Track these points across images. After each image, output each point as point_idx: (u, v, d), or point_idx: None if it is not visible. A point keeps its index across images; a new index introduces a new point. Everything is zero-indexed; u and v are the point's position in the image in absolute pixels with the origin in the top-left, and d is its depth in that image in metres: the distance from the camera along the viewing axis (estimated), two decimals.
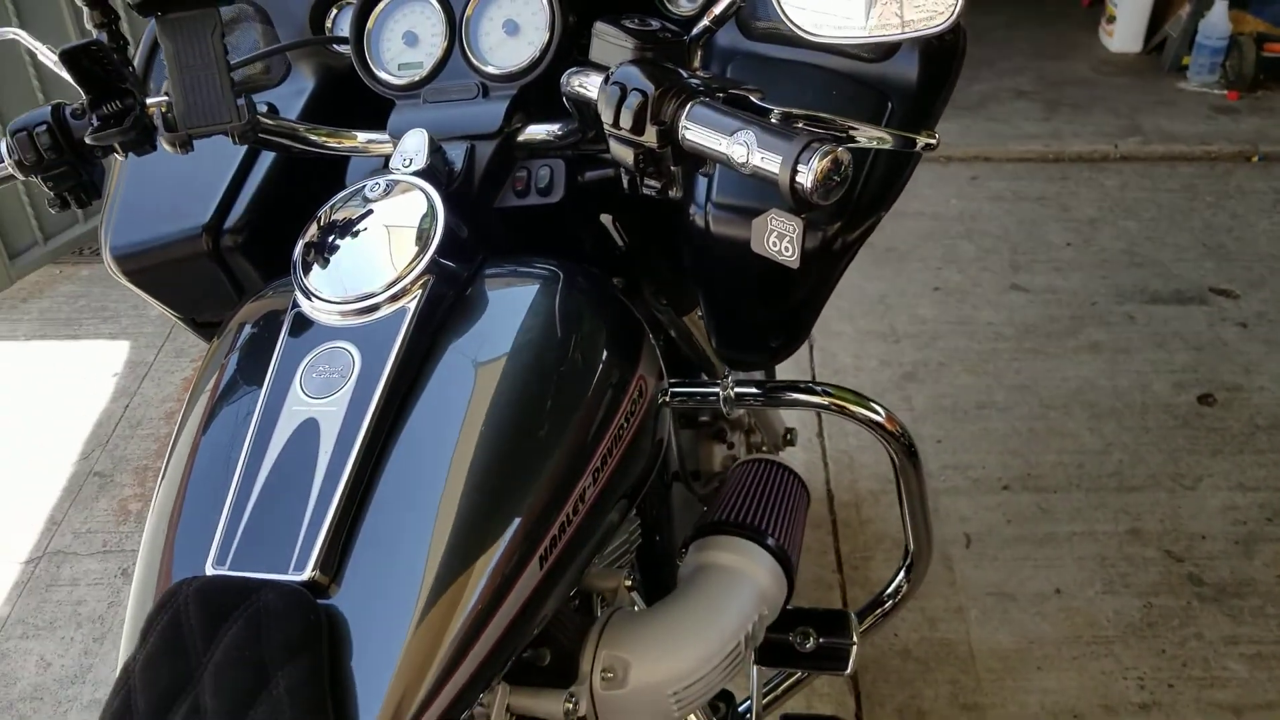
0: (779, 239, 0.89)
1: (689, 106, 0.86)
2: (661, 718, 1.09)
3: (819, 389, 1.34)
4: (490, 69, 1.12)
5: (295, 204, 1.22)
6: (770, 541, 1.23)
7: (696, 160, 0.90)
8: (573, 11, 1.11)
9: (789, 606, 1.36)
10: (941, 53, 1.07)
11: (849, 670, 1.41)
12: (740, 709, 1.56)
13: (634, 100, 0.87)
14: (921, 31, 0.85)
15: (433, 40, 1.15)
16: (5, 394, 2.78)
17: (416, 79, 1.14)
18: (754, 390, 1.29)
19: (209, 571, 0.82)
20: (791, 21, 0.88)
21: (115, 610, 2.20)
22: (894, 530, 2.29)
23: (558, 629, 1.08)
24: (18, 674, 2.09)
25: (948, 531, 2.30)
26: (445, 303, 0.94)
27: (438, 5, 1.15)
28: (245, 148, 1.22)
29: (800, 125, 0.85)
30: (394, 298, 0.91)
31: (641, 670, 1.07)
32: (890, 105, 1.06)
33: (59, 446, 2.61)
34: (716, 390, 1.25)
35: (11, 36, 1.21)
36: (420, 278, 0.92)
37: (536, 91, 1.11)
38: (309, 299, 0.93)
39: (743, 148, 0.82)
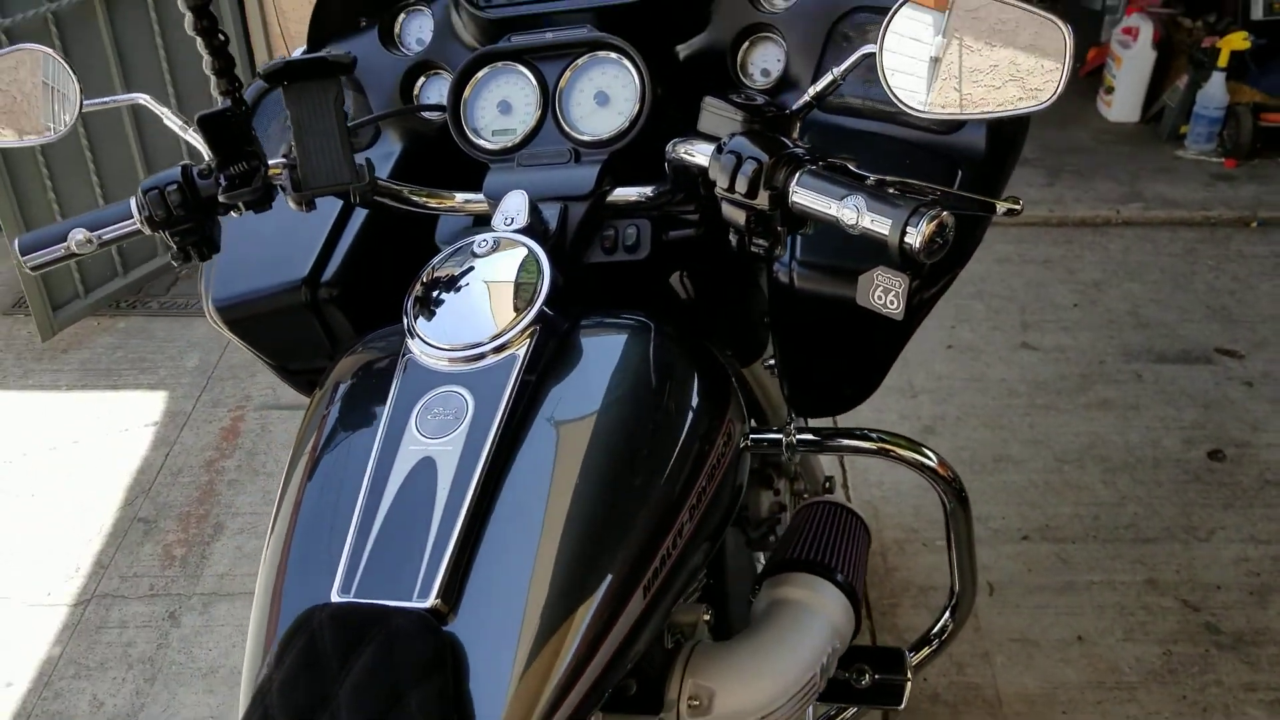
0: (885, 293, 0.97)
1: (798, 174, 0.96)
2: None
3: (874, 435, 1.43)
4: (582, 136, 1.21)
5: (385, 259, 1.31)
6: (840, 578, 1.31)
7: (800, 221, 0.99)
8: (660, 85, 1.21)
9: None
10: (1006, 125, 1.17)
11: (903, 705, 1.49)
12: None
13: (749, 168, 0.96)
14: (1018, 110, 0.94)
15: (526, 109, 1.24)
16: (49, 443, 2.85)
17: (509, 144, 1.23)
18: (814, 437, 1.38)
19: (335, 599, 0.89)
20: (898, 98, 0.97)
21: (164, 652, 2.26)
22: (919, 578, 2.37)
23: (644, 660, 1.15)
24: (72, 713, 2.14)
25: None
26: (549, 351, 1.01)
27: (532, 77, 1.24)
28: (340, 205, 1.31)
29: (900, 192, 0.94)
30: (504, 346, 0.98)
31: (726, 699, 1.15)
32: (960, 173, 1.16)
33: (102, 494, 2.67)
34: (780, 437, 1.34)
35: (142, 102, 1.30)
36: (529, 327, 0.99)
37: (624, 156, 1.19)
38: (422, 346, 1.01)
39: (853, 211, 0.91)
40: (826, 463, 2.10)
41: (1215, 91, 3.95)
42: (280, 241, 1.30)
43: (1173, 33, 4.26)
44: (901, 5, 0.97)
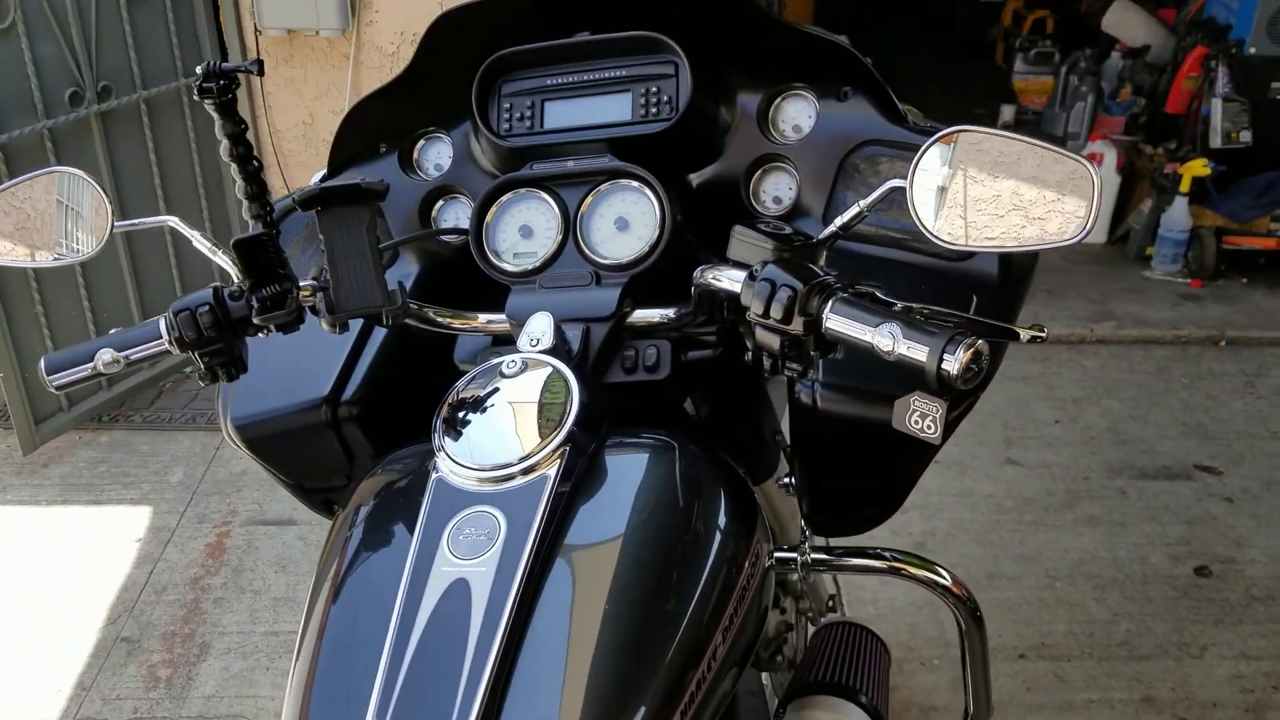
0: (921, 418, 0.99)
1: (831, 301, 0.98)
2: None
3: (887, 554, 1.44)
4: (603, 259, 1.22)
5: (405, 379, 1.32)
6: (863, 699, 1.31)
7: (832, 346, 1.01)
8: (679, 212, 1.24)
9: None
10: (1020, 255, 1.21)
11: None
12: None
13: (784, 295, 0.98)
14: (1045, 244, 0.98)
15: (547, 233, 1.26)
16: (29, 559, 2.79)
17: (530, 267, 1.24)
18: (828, 556, 1.39)
19: None
20: (929, 230, 1.00)
21: None
22: (920, 698, 2.36)
23: None
24: None
25: None
26: (579, 470, 1.01)
27: (553, 203, 1.27)
28: (361, 323, 1.32)
29: (930, 318, 0.97)
30: (534, 466, 0.98)
31: None
32: (975, 298, 1.19)
33: (85, 612, 2.61)
34: (795, 556, 1.34)
35: (172, 224, 1.31)
36: (559, 448, 0.99)
37: (644, 279, 1.22)
38: (452, 466, 1.01)
39: (889, 338, 0.93)
40: (826, 579, 2.10)
41: (1179, 215, 4.09)
42: (300, 360, 1.30)
43: (1135, 159, 4.43)
44: (933, 142, 1.01)
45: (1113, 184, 4.35)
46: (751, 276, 1.02)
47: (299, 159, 3.40)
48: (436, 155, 1.43)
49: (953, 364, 0.90)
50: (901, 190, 1.01)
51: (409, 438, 1.16)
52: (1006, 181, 0.97)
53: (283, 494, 2.91)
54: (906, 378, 0.95)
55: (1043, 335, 1.06)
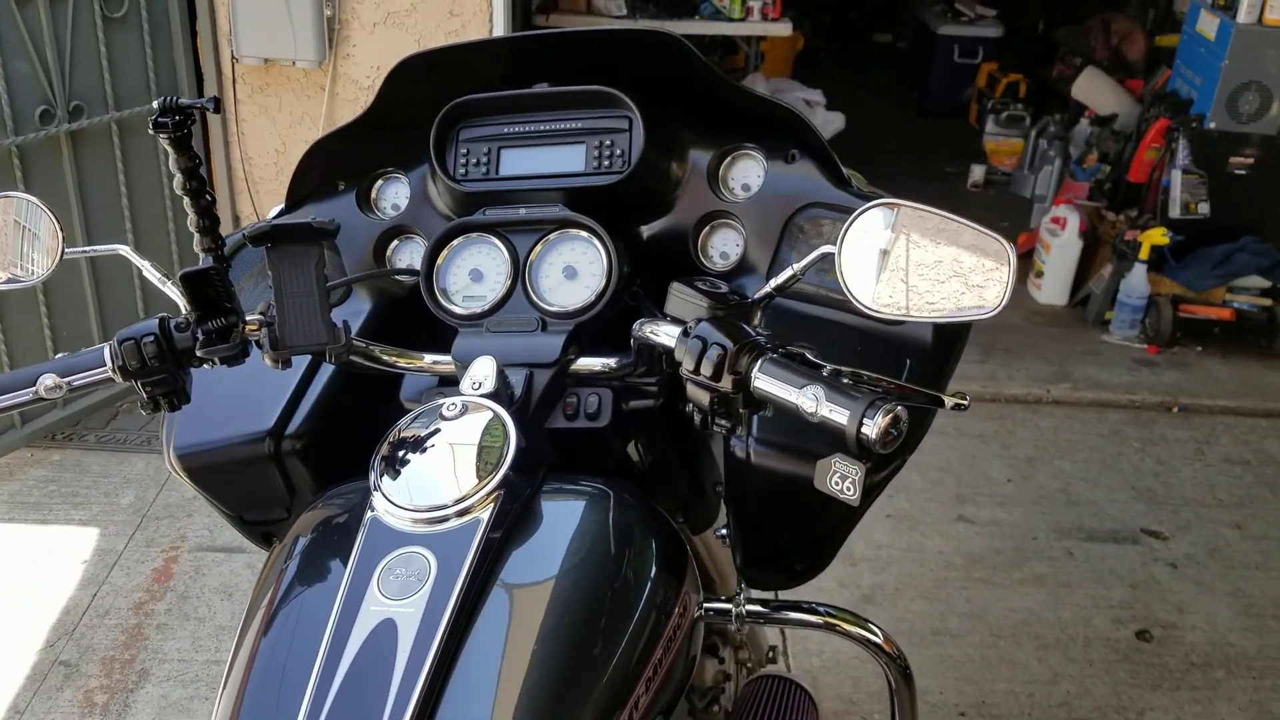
0: (841, 479, 1.01)
1: (760, 361, 1.00)
2: None
3: (821, 609, 1.46)
4: (550, 306, 1.25)
5: (350, 414, 1.33)
6: None
7: (760, 405, 1.03)
8: (626, 263, 1.26)
9: None
10: (954, 325, 1.24)
11: None
12: None
13: (714, 353, 1.01)
14: (965, 317, 1.00)
15: (497, 278, 1.28)
16: None
17: (479, 310, 1.27)
18: (762, 609, 1.40)
19: None
20: (854, 296, 1.03)
21: None
22: None
23: None
24: None
25: None
26: (512, 515, 1.03)
27: (504, 248, 1.29)
28: (309, 359, 1.33)
29: (853, 382, 0.99)
30: (468, 509, 1.00)
31: None
32: (908, 362, 1.22)
33: (23, 633, 2.58)
34: (730, 607, 1.36)
35: (123, 253, 1.31)
36: (493, 491, 1.01)
37: (589, 327, 1.24)
38: (386, 505, 1.02)
39: (812, 400, 0.96)
40: (770, 631, 2.11)
41: (1137, 282, 4.16)
42: (246, 391, 1.31)
43: (1097, 224, 4.50)
44: (862, 212, 1.04)
45: (1075, 248, 4.42)
46: (685, 333, 1.05)
47: (269, 186, 3.41)
48: (394, 195, 1.45)
49: (871, 429, 0.92)
50: (833, 256, 1.04)
51: (352, 473, 1.17)
52: (930, 254, 1.00)
53: None
54: (835, 439, 0.97)
55: (965, 404, 1.09)
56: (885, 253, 1.02)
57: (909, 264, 1.01)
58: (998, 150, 5.86)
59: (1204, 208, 4.01)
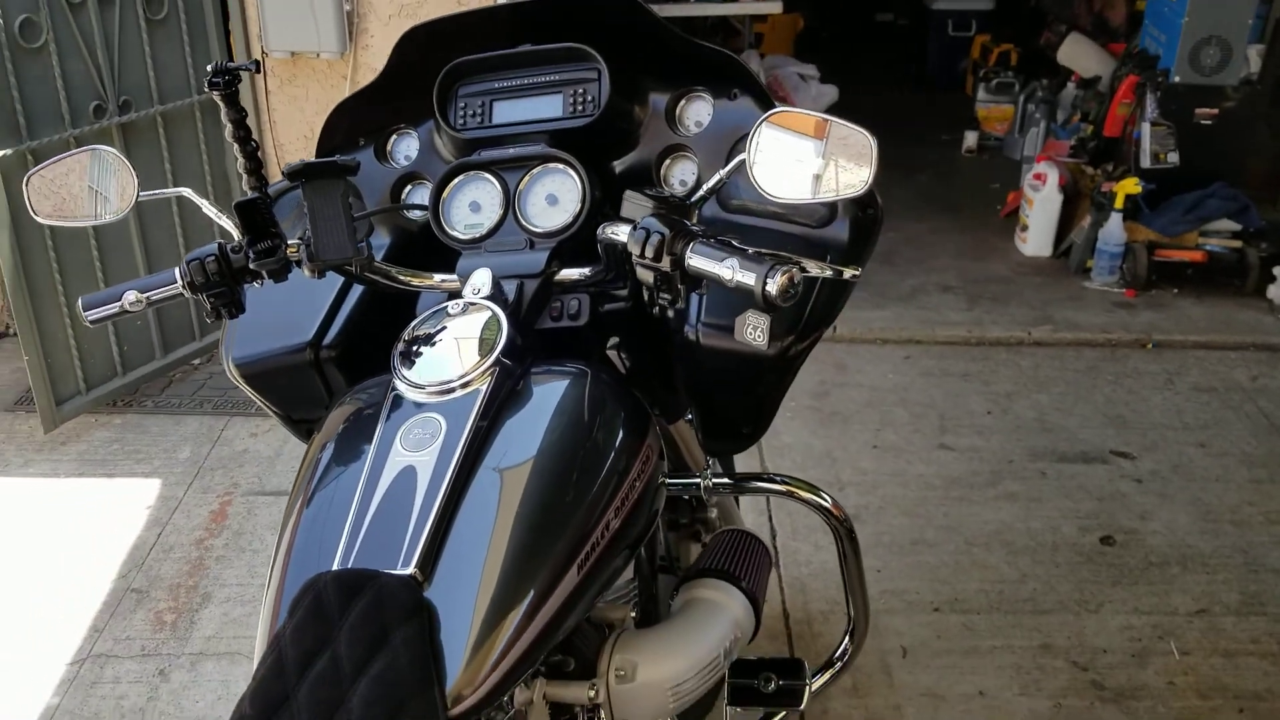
0: (754, 330, 1.30)
1: (691, 244, 1.28)
2: (659, 707, 1.44)
3: (779, 479, 1.74)
4: (535, 228, 1.50)
5: (375, 326, 1.62)
6: (744, 584, 1.60)
7: (695, 282, 1.31)
8: (598, 189, 1.55)
9: (753, 658, 1.73)
10: (864, 222, 1.51)
11: (802, 706, 1.77)
12: None
13: (655, 239, 1.27)
14: (846, 194, 1.28)
15: (492, 208, 1.53)
16: (49, 524, 3.09)
17: (478, 235, 1.52)
18: (728, 480, 1.69)
19: (335, 568, 1.17)
20: (761, 188, 1.30)
21: (154, 704, 2.48)
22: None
23: (581, 642, 1.42)
24: None
25: (886, 644, 2.65)
26: (505, 389, 1.29)
27: (496, 183, 1.56)
28: (340, 282, 1.62)
29: (766, 256, 1.27)
30: (469, 383, 1.26)
31: (647, 670, 1.43)
32: (829, 256, 1.50)
33: (98, 568, 2.91)
34: (699, 480, 1.64)
35: (185, 194, 1.60)
36: (489, 369, 1.27)
37: (569, 244, 1.49)
38: (405, 384, 1.29)
39: (729, 270, 1.23)
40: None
41: (1114, 230, 4.40)
42: (288, 312, 1.56)
43: (1077, 179, 4.75)
44: (761, 122, 1.31)
45: (1055, 201, 4.67)
46: (635, 227, 1.33)
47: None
48: (406, 148, 1.69)
49: (773, 285, 1.18)
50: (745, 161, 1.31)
51: (378, 375, 1.46)
52: (815, 149, 1.28)
53: (280, 467, 3.25)
54: (751, 300, 1.25)
55: (858, 273, 1.37)
56: (784, 153, 1.30)
57: (800, 158, 1.29)
58: (989, 117, 6.10)
59: (1173, 157, 4.25)
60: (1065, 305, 4.37)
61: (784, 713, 1.93)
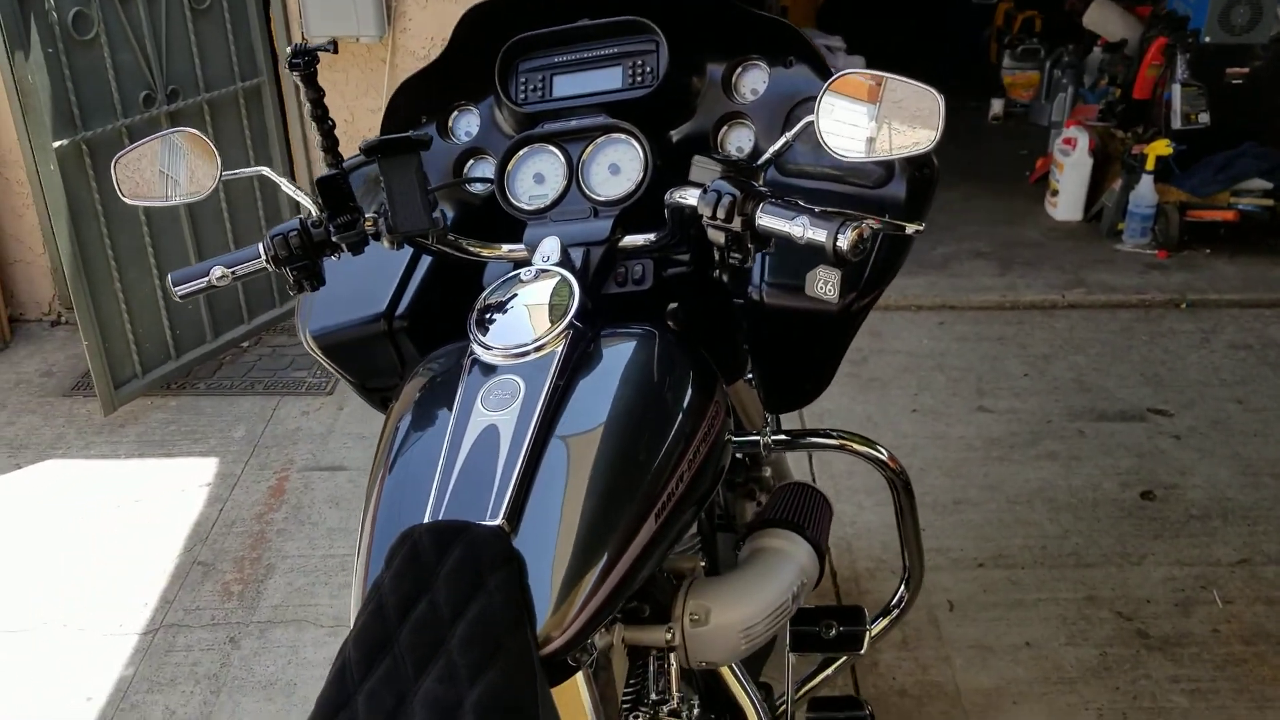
0: (824, 284, 1.35)
1: (761, 204, 1.33)
2: (732, 649, 1.50)
3: (834, 434, 1.80)
4: (599, 197, 1.54)
5: (443, 300, 1.68)
6: (808, 533, 1.67)
7: (764, 241, 1.36)
8: (659, 158, 1.60)
9: (812, 607, 1.79)
10: (921, 180, 1.56)
11: (863, 650, 1.84)
12: (778, 699, 1.96)
13: (726, 200, 1.31)
14: (915, 151, 1.32)
15: (555, 179, 1.58)
16: (112, 502, 3.19)
17: (542, 205, 1.57)
18: (785, 437, 1.75)
19: (427, 520, 1.22)
20: (830, 148, 1.35)
21: (227, 669, 2.57)
22: (888, 597, 2.71)
23: (655, 590, 1.49)
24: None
25: (933, 599, 2.72)
26: (578, 351, 1.34)
27: (560, 155, 1.61)
28: (409, 255, 1.69)
29: (834, 214, 1.33)
30: (544, 346, 1.31)
31: (720, 614, 1.49)
32: (887, 215, 1.55)
33: (163, 543, 3.00)
34: (758, 438, 1.70)
35: (265, 173, 1.67)
36: (563, 331, 1.32)
37: (632, 212, 1.54)
38: (484, 348, 1.35)
39: (800, 228, 1.27)
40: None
41: (1145, 192, 4.43)
42: (361, 285, 1.62)
43: (1107, 142, 4.77)
44: (829, 84, 1.36)
45: (1086, 165, 4.70)
46: (704, 190, 1.38)
47: (341, 151, 3.78)
48: (466, 124, 1.74)
49: (844, 241, 1.23)
50: (813, 124, 1.36)
51: (448, 344, 1.52)
52: (881, 109, 1.32)
53: (334, 444, 3.34)
54: (821, 256, 1.31)
55: (921, 228, 1.43)
56: (850, 112, 1.34)
57: (869, 117, 1.33)
58: (1015, 83, 6.12)
59: (1204, 118, 4.27)
60: (1098, 268, 4.40)
61: (843, 659, 2.00)
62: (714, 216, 1.30)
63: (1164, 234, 4.44)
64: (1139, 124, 4.64)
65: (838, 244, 1.22)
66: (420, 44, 3.67)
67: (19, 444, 3.47)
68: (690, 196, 1.37)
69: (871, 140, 1.32)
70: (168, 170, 1.65)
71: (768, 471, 2.17)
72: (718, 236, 1.32)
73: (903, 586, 1.98)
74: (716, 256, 1.38)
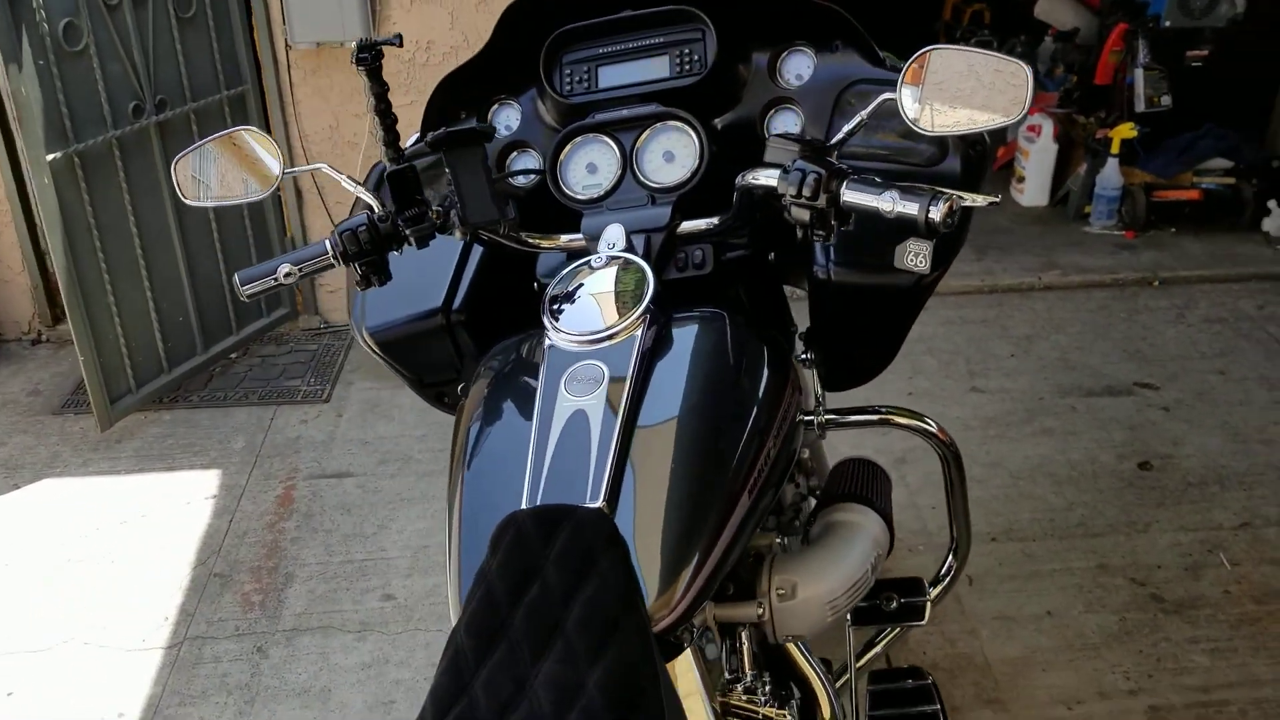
0: (915, 256, 1.38)
1: (845, 181, 1.35)
2: (819, 621, 1.54)
3: (883, 409, 1.85)
4: (655, 184, 1.56)
5: (496, 292, 1.69)
6: (877, 504, 1.71)
7: (846, 216, 1.36)
8: (714, 144, 1.63)
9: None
10: (974, 157, 1.60)
11: (925, 620, 1.88)
12: (837, 672, 1.99)
13: (812, 179, 1.31)
14: (1001, 123, 1.35)
15: (609, 168, 1.59)
16: (118, 518, 3.14)
17: (597, 195, 1.58)
18: (837, 416, 1.78)
19: (525, 506, 1.22)
20: (910, 119, 1.38)
21: (258, 679, 2.55)
22: (914, 570, 2.77)
23: (739, 569, 1.52)
24: None
25: None
26: (656, 334, 1.36)
27: (612, 144, 1.61)
28: (459, 247, 1.69)
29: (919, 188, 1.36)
30: (622, 331, 1.33)
31: (806, 588, 1.52)
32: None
33: (177, 556, 2.97)
34: (814, 417, 1.73)
35: (326, 170, 1.66)
36: (642, 316, 1.34)
37: (689, 197, 1.56)
38: (560, 335, 1.35)
39: (889, 202, 1.29)
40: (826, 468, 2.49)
41: (1111, 175, 4.55)
42: (414, 280, 1.61)
43: (1069, 129, 4.89)
44: (914, 60, 1.36)
45: (1051, 151, 4.82)
46: (785, 170, 1.36)
47: (326, 159, 3.77)
48: (507, 118, 1.73)
49: (936, 213, 1.25)
50: (891, 101, 1.38)
51: (503, 338, 1.50)
52: (965, 83, 1.36)
53: (337, 451, 3.34)
54: (891, 250, 1.34)
55: (997, 200, 1.47)
56: (934, 86, 1.32)
57: (948, 92, 1.36)
58: None
59: (1166, 100, 4.40)
60: (1069, 250, 4.51)
61: (897, 630, 2.04)
62: (799, 195, 1.31)
63: (1131, 215, 4.56)
64: (1100, 109, 4.76)
65: (930, 216, 1.24)
66: (405, 47, 3.66)
67: (14, 464, 3.40)
68: (765, 178, 1.38)
69: (954, 113, 1.33)
70: (227, 170, 1.63)
71: (805, 453, 2.20)
72: (802, 214, 1.33)
73: (951, 556, 2.03)
74: (799, 234, 1.39)
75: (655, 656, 1.13)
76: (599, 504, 1.20)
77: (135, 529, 3.09)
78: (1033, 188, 4.92)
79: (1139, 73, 4.40)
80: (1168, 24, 4.41)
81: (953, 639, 2.59)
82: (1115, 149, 4.50)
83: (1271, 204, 4.47)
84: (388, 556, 2.93)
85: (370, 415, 3.59)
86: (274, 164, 1.59)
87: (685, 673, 1.33)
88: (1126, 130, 4.47)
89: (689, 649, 1.31)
